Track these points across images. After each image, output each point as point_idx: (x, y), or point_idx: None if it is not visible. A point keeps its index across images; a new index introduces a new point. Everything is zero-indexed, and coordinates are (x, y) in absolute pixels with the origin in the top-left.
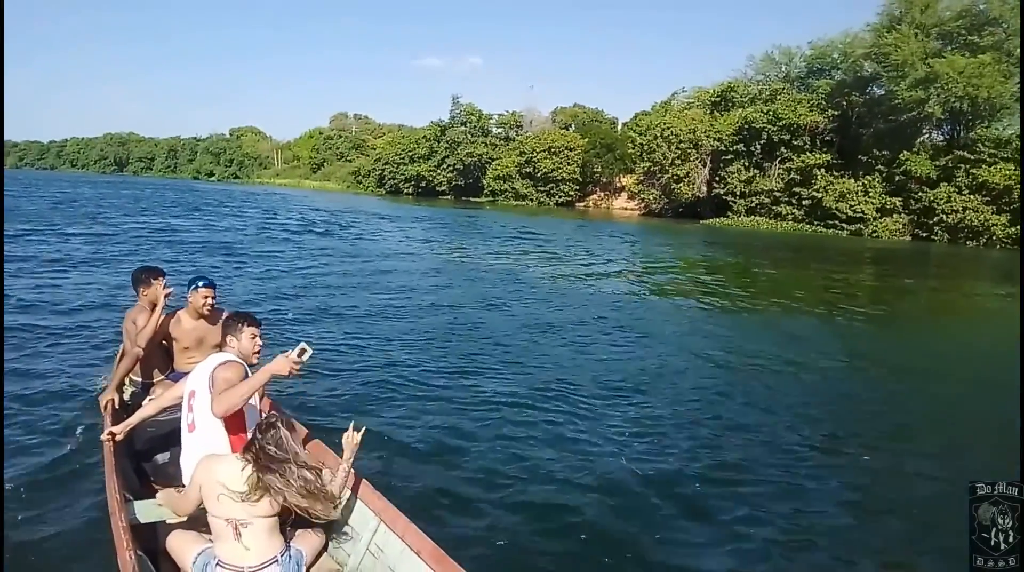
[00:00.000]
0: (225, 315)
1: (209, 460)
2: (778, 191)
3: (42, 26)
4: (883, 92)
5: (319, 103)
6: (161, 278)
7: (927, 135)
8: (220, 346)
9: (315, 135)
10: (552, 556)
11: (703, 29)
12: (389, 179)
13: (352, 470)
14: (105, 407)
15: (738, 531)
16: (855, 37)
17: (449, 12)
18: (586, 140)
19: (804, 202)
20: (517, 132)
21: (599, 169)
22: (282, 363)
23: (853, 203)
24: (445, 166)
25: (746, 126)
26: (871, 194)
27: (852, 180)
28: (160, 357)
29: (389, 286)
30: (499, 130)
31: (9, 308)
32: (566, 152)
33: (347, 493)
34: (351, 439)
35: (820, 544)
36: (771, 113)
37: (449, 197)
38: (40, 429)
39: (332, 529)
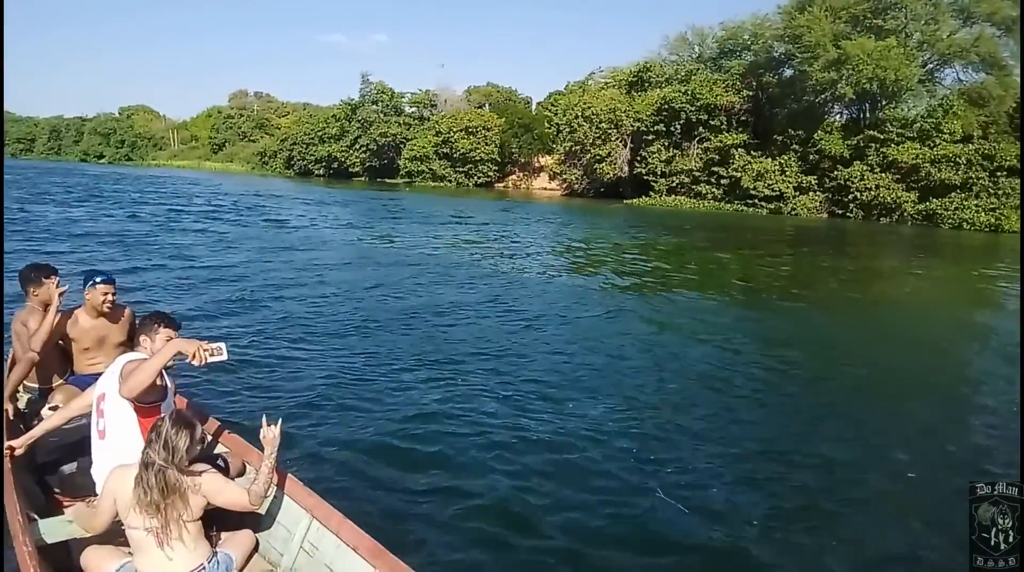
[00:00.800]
0: (128, 309)
1: (122, 470)
2: (697, 171)
3: None
4: (794, 73)
5: (216, 80)
6: (53, 276)
7: (838, 115)
8: (124, 345)
9: (214, 114)
10: (500, 555)
11: (612, 8)
12: (298, 160)
13: (277, 467)
14: None
15: (728, 533)
16: (765, 19)
17: None
18: (503, 120)
19: (723, 181)
20: (432, 111)
21: (517, 149)
22: (190, 342)
23: (771, 182)
24: (358, 146)
25: (666, 106)
26: (788, 173)
27: (769, 159)
28: (58, 360)
29: (315, 279)
30: (412, 109)
31: None
32: (484, 132)
33: (273, 490)
34: (268, 434)
35: (819, 545)
36: (689, 93)
37: (363, 178)
38: None
39: (262, 530)
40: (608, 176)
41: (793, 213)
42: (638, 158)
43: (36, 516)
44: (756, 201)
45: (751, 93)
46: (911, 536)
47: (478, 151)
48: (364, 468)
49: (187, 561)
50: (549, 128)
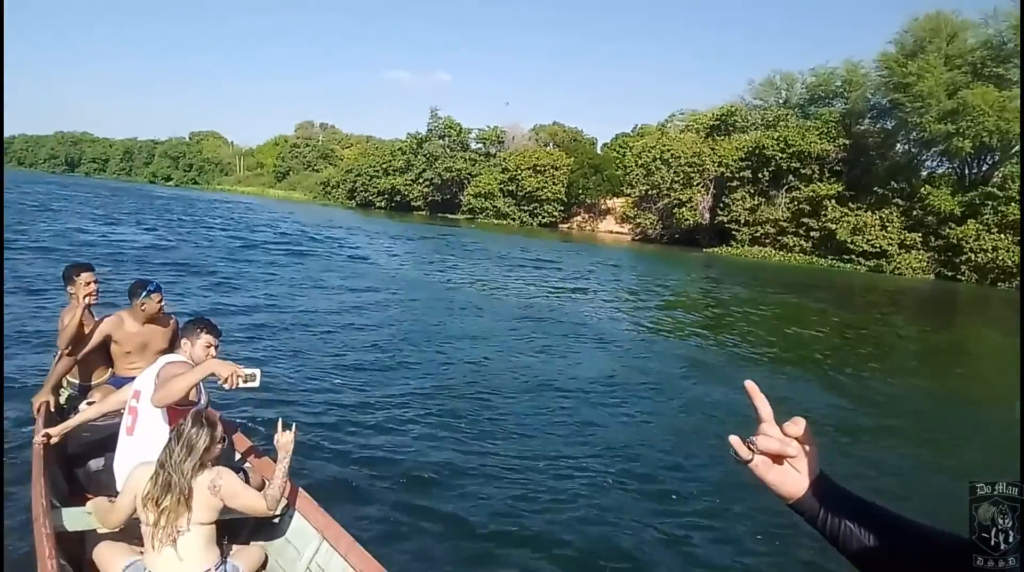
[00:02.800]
0: (174, 319)
1: (142, 468)
2: (784, 221)
3: None
4: (896, 123)
5: (282, 110)
6: (85, 273)
7: (945, 169)
8: (165, 352)
9: (280, 142)
10: None
11: (675, 55)
12: (361, 191)
13: (294, 485)
14: (38, 409)
15: (736, 536)
16: (859, 65)
17: (418, 30)
18: (573, 160)
19: (813, 233)
20: (498, 148)
21: (584, 190)
22: (225, 364)
23: (870, 237)
24: (422, 180)
25: (756, 152)
26: (889, 228)
27: (868, 213)
28: (101, 360)
29: (370, 311)
30: (479, 145)
31: None
32: (552, 171)
33: (283, 502)
34: (282, 439)
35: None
36: (781, 139)
37: (424, 212)
38: None
39: (272, 547)
40: (687, 222)
41: (896, 272)
42: (720, 205)
43: (59, 504)
44: (853, 256)
45: (846, 142)
46: None
47: (545, 190)
48: (382, 495)
49: (195, 563)
50: (619, 170)
